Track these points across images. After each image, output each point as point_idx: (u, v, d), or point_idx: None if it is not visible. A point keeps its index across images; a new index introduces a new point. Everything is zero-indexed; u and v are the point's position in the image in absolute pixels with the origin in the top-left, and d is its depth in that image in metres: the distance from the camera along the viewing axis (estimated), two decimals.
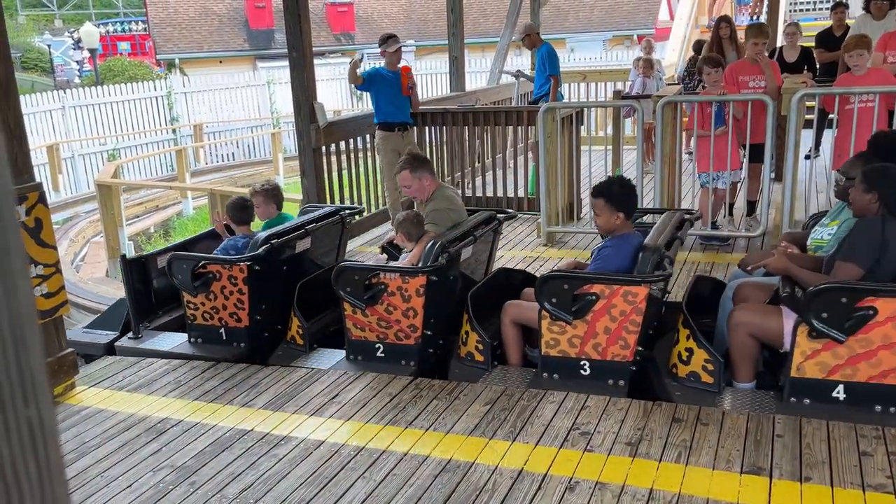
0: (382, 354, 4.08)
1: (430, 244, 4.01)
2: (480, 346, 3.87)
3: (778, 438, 3.08)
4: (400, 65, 6.53)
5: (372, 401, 3.69)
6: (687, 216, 4.26)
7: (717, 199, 5.81)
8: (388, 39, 6.39)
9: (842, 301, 3.09)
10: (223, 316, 4.42)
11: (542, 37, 8.38)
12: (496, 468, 3.01)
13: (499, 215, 4.70)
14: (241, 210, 4.84)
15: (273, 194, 4.90)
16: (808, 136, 6.53)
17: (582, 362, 3.64)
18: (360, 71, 6.28)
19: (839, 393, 3.20)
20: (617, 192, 3.71)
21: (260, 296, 4.36)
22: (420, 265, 3.96)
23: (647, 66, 9.07)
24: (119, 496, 3.02)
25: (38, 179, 3.97)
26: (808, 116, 6.05)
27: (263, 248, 4.24)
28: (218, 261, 4.38)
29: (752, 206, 6.18)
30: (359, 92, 22.91)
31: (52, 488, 0.34)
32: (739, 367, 3.52)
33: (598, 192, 3.74)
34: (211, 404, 3.79)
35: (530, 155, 7.48)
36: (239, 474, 3.10)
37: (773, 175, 5.86)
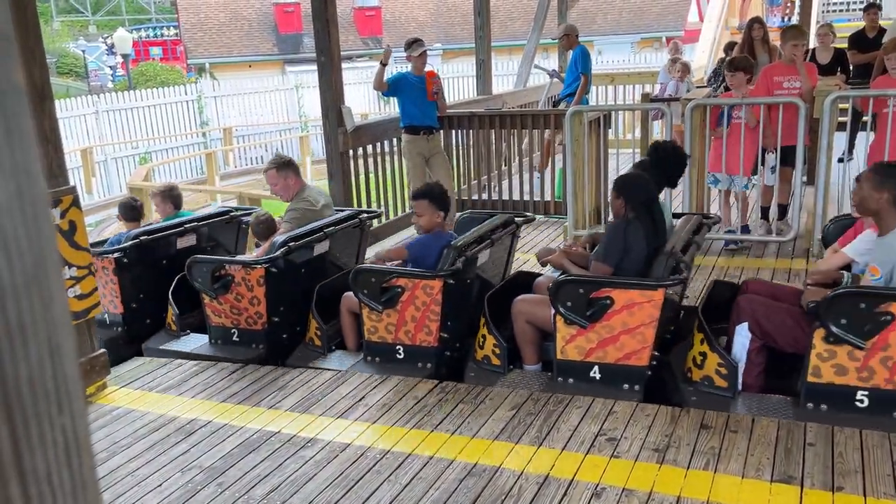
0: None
1: (278, 240, 4.36)
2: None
3: (809, 447, 3.03)
4: (426, 69, 6.55)
5: (397, 404, 3.70)
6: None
7: (735, 203, 5.78)
8: (412, 44, 6.42)
9: (580, 292, 3.53)
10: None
11: None
12: (522, 473, 3.00)
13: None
14: (129, 210, 5.55)
15: (169, 195, 5.53)
16: (841, 139, 6.42)
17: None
18: (387, 75, 6.32)
19: (595, 373, 3.64)
20: (438, 194, 4.14)
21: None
22: (266, 258, 4.29)
23: (685, 70, 9.01)
24: (148, 496, 3.06)
25: (72, 183, 4.04)
26: (841, 119, 5.95)
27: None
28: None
29: (783, 210, 6.09)
30: (385, 97, 23.04)
31: (84, 497, 0.35)
32: (524, 351, 3.93)
33: (421, 194, 4.18)
34: (239, 406, 3.83)
35: (558, 158, 7.46)
36: (266, 476, 3.13)
37: (804, 178, 5.78)
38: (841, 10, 15.91)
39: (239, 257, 4.76)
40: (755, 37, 7.46)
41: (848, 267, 3.73)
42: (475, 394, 3.73)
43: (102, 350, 4.23)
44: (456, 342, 4.14)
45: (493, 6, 9.68)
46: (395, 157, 7.16)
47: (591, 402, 3.56)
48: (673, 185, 4.39)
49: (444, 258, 3.86)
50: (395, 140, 7.07)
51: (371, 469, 3.11)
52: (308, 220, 4.77)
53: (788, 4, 14.18)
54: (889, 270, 3.25)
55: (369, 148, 6.72)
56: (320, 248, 4.67)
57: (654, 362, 3.60)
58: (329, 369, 4.18)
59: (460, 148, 7.60)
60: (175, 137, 19.71)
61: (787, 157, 5.58)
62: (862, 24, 8.75)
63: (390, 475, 3.06)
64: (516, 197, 7.47)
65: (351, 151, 6.36)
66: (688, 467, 2.96)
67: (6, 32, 0.33)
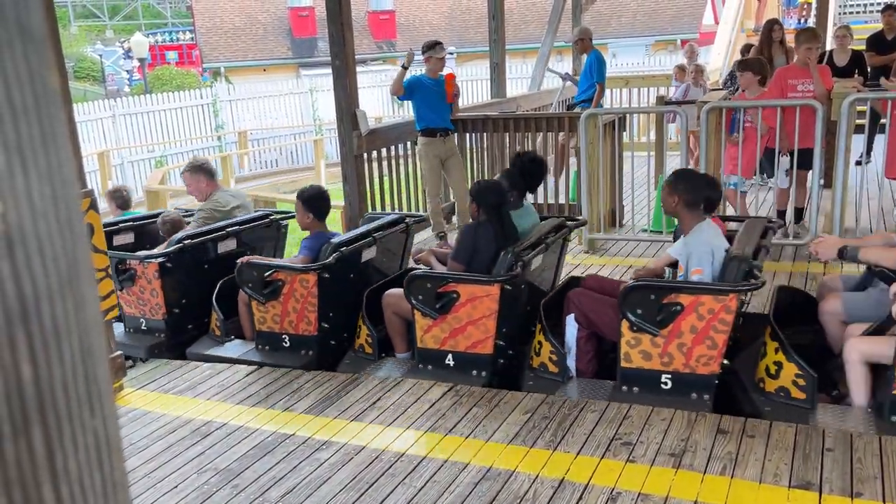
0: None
1: (175, 238, 4.83)
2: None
3: (828, 452, 3.00)
4: (444, 72, 6.56)
5: (412, 407, 3.70)
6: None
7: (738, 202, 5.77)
8: (434, 46, 6.43)
9: (428, 287, 3.90)
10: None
11: None
12: (537, 477, 2.99)
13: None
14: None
15: (112, 196, 6.23)
16: (858, 142, 6.36)
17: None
18: (407, 76, 6.35)
19: (449, 360, 3.99)
20: (308, 197, 4.58)
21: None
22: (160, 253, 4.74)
23: (698, 73, 8.96)
24: (164, 497, 3.08)
25: (89, 186, 4.08)
26: (859, 121, 5.89)
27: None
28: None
29: (799, 214, 6.05)
30: (400, 101, 23.09)
31: (115, 499, 0.35)
32: (394, 341, 4.35)
33: (297, 195, 4.65)
34: (254, 408, 3.84)
35: (572, 161, 7.44)
36: (281, 478, 3.14)
37: (822, 181, 5.73)
38: (858, 12, 15.79)
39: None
40: (774, 38, 7.41)
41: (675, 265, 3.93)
42: (489, 397, 3.73)
43: (119, 352, 4.27)
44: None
45: (507, 9, 9.68)
46: (410, 161, 7.17)
47: (605, 405, 3.54)
48: (532, 191, 4.76)
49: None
50: (408, 143, 7.08)
51: (385, 472, 3.12)
52: (215, 220, 5.21)
53: (805, 6, 14.08)
54: (708, 265, 3.55)
55: (383, 151, 6.73)
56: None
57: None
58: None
59: (474, 151, 7.60)
60: (190, 141, 19.84)
61: (804, 160, 5.54)
62: (880, 25, 8.67)
63: (405, 478, 3.06)
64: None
65: (365, 155, 6.38)
66: (704, 472, 2.94)
67: (41, 36, 0.33)
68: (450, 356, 3.99)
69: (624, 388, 3.59)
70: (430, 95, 6.43)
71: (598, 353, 3.88)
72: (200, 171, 5.34)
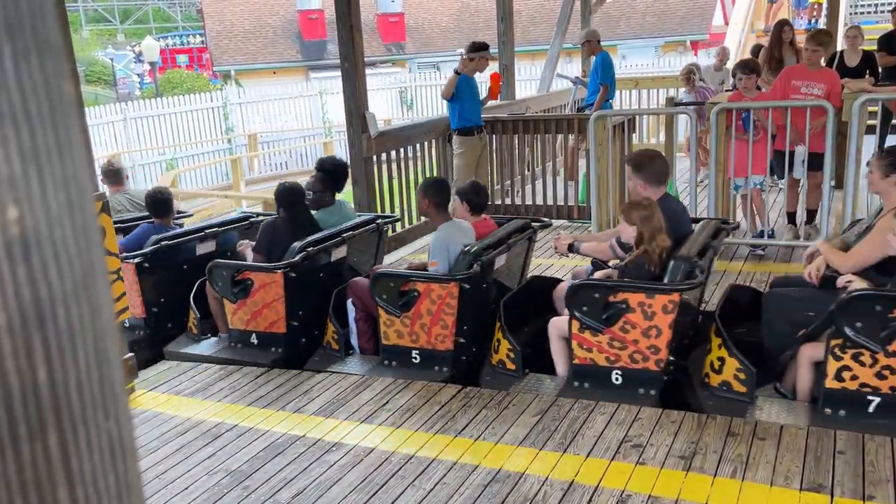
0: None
1: None
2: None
3: (839, 455, 2.99)
4: (490, 71, 6.81)
5: (421, 409, 3.70)
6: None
7: (751, 203, 5.74)
8: (484, 48, 6.66)
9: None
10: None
11: None
12: (546, 479, 2.99)
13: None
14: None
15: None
16: (870, 143, 6.32)
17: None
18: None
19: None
20: (152, 202, 5.06)
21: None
22: None
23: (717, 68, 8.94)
24: (176, 499, 3.09)
25: (100, 189, 4.11)
26: (870, 122, 5.86)
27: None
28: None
29: (811, 215, 6.01)
30: (409, 101, 23.14)
31: (129, 501, 0.36)
32: (218, 323, 4.80)
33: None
34: (264, 410, 3.86)
35: (582, 162, 7.43)
36: (291, 479, 3.15)
37: (833, 183, 5.70)
38: (869, 12, 15.70)
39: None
40: (785, 38, 7.38)
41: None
42: (499, 399, 3.73)
43: (130, 354, 4.29)
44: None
45: (515, 11, 9.68)
46: (419, 163, 7.19)
47: (615, 408, 3.54)
48: (340, 189, 5.14)
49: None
50: (417, 145, 7.09)
51: (395, 474, 3.12)
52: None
53: (816, 7, 14.02)
54: (444, 259, 4.05)
55: (393, 153, 6.75)
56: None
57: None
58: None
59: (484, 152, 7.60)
60: (201, 144, 19.94)
61: (815, 161, 5.51)
62: (891, 26, 8.62)
63: (414, 480, 3.06)
64: (539, 201, 7.46)
65: (374, 157, 6.39)
66: (715, 475, 2.93)
67: (56, 45, 0.34)
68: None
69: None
70: (471, 94, 6.68)
71: (374, 332, 4.36)
72: (105, 176, 6.03)
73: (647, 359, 3.58)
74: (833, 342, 3.19)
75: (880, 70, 7.86)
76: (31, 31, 0.32)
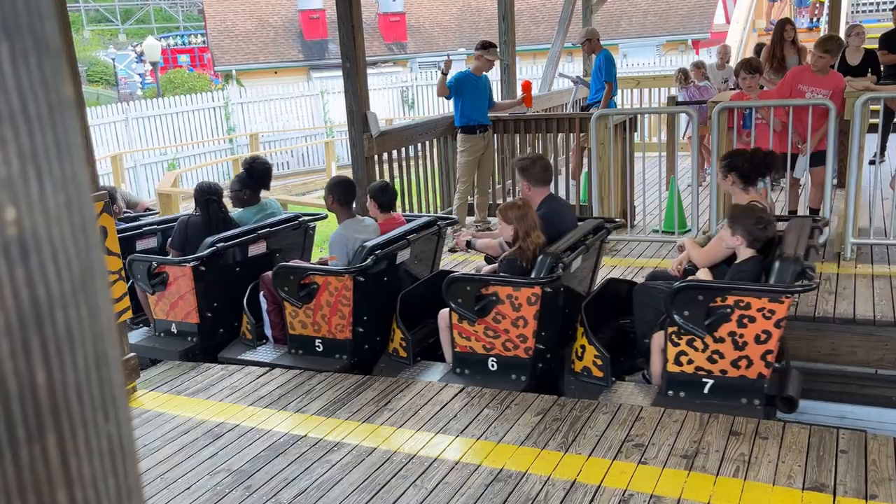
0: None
1: None
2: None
3: (842, 454, 2.98)
4: (489, 72, 6.87)
5: (423, 409, 3.70)
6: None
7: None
8: (489, 46, 6.67)
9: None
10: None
11: None
12: (548, 479, 2.98)
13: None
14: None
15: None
16: (872, 141, 6.31)
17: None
18: (448, 78, 6.57)
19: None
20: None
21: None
22: None
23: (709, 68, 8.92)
24: (178, 498, 3.09)
25: (102, 189, 4.11)
26: (872, 120, 5.84)
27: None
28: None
29: (814, 214, 6.00)
30: (410, 100, 23.14)
31: None
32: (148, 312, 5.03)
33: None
34: (266, 409, 3.86)
35: (584, 162, 7.42)
36: (293, 479, 3.15)
37: (835, 182, 5.69)
38: (871, 11, 15.68)
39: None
40: (786, 38, 7.36)
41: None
42: (500, 399, 3.72)
43: (132, 354, 4.29)
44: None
45: (517, 10, 9.67)
46: (421, 162, 7.18)
47: (617, 407, 3.53)
48: (266, 188, 5.41)
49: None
50: (419, 145, 7.09)
51: (397, 474, 3.12)
52: None
53: (817, 5, 13.99)
54: (343, 254, 4.33)
55: (394, 153, 6.74)
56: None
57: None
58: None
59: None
60: (202, 144, 19.95)
61: (818, 160, 5.50)
62: (892, 24, 8.60)
63: (416, 480, 3.06)
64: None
65: (376, 157, 6.38)
66: (717, 474, 2.93)
67: (55, 46, 0.34)
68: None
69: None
70: (476, 92, 6.66)
71: (284, 323, 4.61)
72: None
73: (517, 347, 3.90)
74: (670, 329, 3.52)
75: (882, 68, 7.85)
76: (30, 31, 0.32)
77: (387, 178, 6.53)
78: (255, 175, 5.31)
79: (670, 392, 3.57)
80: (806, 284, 3.37)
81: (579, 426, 3.38)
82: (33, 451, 0.32)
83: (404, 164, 6.91)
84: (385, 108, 21.61)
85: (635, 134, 6.94)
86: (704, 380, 3.51)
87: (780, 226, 4.14)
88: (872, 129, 5.88)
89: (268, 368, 4.40)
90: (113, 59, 30.87)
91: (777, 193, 7.26)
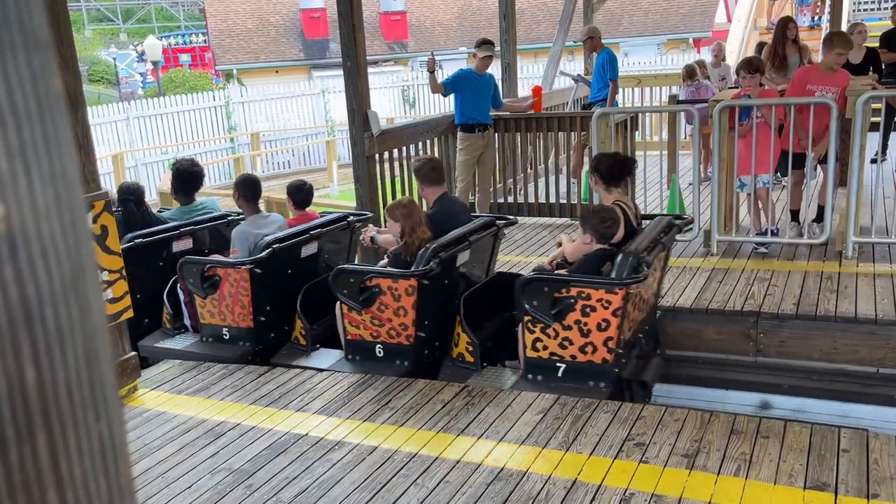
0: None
1: None
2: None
3: (843, 453, 2.98)
4: (490, 70, 6.83)
5: (424, 407, 3.70)
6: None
7: (755, 201, 5.69)
8: (482, 45, 6.70)
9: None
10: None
11: None
12: (549, 478, 2.98)
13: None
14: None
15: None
16: (873, 140, 6.30)
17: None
18: (438, 77, 6.57)
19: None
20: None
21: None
22: None
23: (705, 67, 8.91)
24: (179, 497, 3.09)
25: (103, 188, 4.11)
26: (874, 119, 5.83)
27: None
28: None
29: (821, 212, 5.96)
30: (411, 99, 23.13)
31: None
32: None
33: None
34: (267, 408, 3.85)
35: (585, 160, 7.42)
36: (294, 478, 3.14)
37: (836, 180, 5.67)
38: (872, 9, 15.65)
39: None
40: (789, 36, 7.34)
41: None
42: (502, 398, 3.72)
43: (133, 353, 4.29)
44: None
45: (518, 9, 9.66)
46: None
47: (618, 406, 3.53)
48: (195, 189, 5.63)
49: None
50: (419, 144, 7.08)
51: (398, 473, 3.12)
52: None
53: (818, 4, 13.97)
54: (244, 248, 4.59)
55: (395, 152, 6.74)
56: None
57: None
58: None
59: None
60: (203, 143, 19.95)
61: (824, 158, 5.48)
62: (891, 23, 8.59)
63: (417, 479, 3.05)
64: (542, 199, 7.44)
65: (377, 156, 6.38)
66: (718, 473, 2.92)
67: (43, 39, 0.33)
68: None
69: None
70: (475, 90, 6.63)
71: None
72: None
73: (399, 335, 4.18)
74: (526, 319, 3.84)
75: (883, 66, 7.83)
76: (18, 24, 0.31)
77: (388, 177, 6.53)
78: (179, 178, 5.57)
79: (529, 376, 3.91)
80: (634, 277, 3.64)
81: (580, 425, 3.38)
82: (23, 452, 0.32)
83: (405, 163, 6.91)
84: (386, 107, 21.60)
85: (636, 132, 6.93)
86: (558, 364, 3.85)
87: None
88: (874, 127, 5.86)
89: (269, 367, 4.40)
90: (114, 59, 30.88)
91: (779, 192, 7.25)
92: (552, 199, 7.37)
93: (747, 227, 5.89)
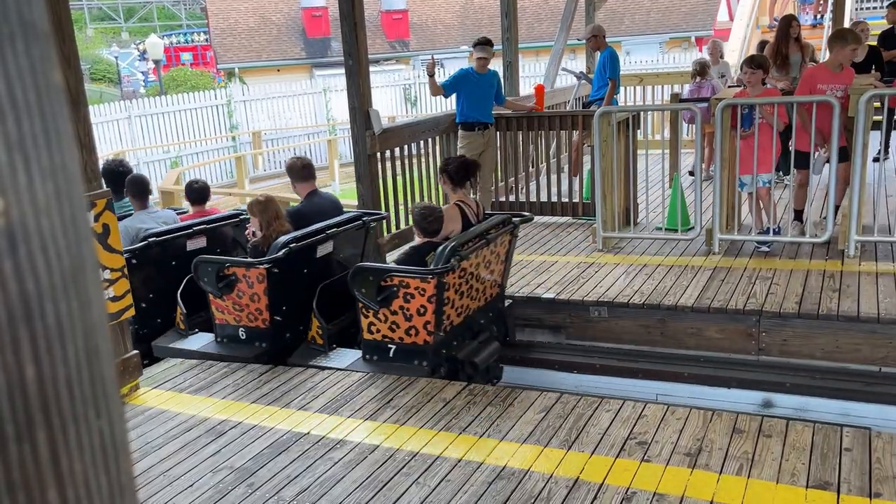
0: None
1: None
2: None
3: (846, 452, 2.97)
4: (490, 68, 6.82)
5: (426, 406, 3.70)
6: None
7: (757, 201, 5.67)
8: (477, 45, 6.71)
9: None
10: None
11: None
12: (551, 476, 2.98)
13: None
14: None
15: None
16: (875, 139, 6.29)
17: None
18: (438, 80, 6.62)
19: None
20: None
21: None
22: None
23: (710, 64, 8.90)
24: (180, 496, 3.09)
25: (105, 187, 4.11)
26: (876, 117, 5.82)
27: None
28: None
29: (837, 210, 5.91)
30: (413, 98, 23.12)
31: (122, 502, 0.35)
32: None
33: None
34: (269, 407, 3.85)
35: (586, 159, 7.41)
36: (296, 477, 3.14)
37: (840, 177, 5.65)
38: (875, 8, 15.63)
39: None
40: (793, 34, 7.32)
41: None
42: (503, 396, 3.72)
43: (135, 351, 4.29)
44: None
45: (519, 7, 9.65)
46: (423, 160, 7.17)
47: (620, 404, 3.52)
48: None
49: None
50: (421, 143, 7.08)
51: (400, 471, 3.11)
52: None
53: (821, 2, 13.94)
54: (127, 241, 4.75)
55: (397, 151, 6.73)
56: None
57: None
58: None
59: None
60: (205, 141, 19.95)
61: (842, 154, 5.46)
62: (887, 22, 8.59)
63: (419, 477, 3.05)
64: (544, 198, 7.43)
65: (379, 154, 6.38)
66: (720, 472, 2.92)
67: (43, 31, 0.33)
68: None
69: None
70: (475, 90, 6.64)
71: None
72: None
73: (256, 319, 4.51)
74: (360, 304, 4.16)
75: (885, 65, 7.81)
76: (17, 15, 0.31)
77: (389, 176, 6.53)
78: (107, 177, 5.14)
79: (367, 356, 4.28)
80: (445, 267, 3.97)
81: (582, 424, 3.37)
82: (23, 449, 0.31)
83: (407, 161, 6.90)
84: (387, 105, 21.60)
85: (638, 131, 6.91)
86: (389, 346, 4.21)
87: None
88: (876, 126, 5.85)
89: (271, 366, 4.40)
90: (116, 57, 30.90)
91: (781, 191, 7.24)
92: (554, 198, 7.36)
93: (749, 226, 5.88)
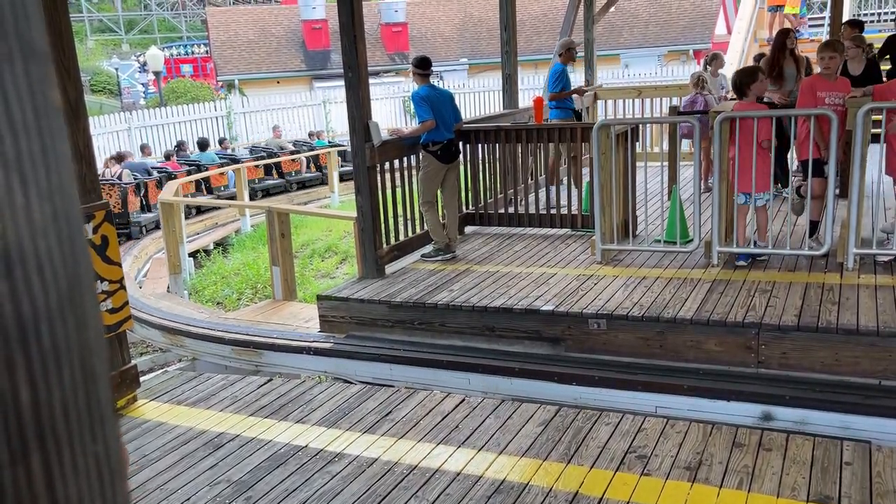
0: None
1: None
2: None
3: (846, 466, 2.96)
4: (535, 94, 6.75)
5: (424, 419, 3.68)
6: None
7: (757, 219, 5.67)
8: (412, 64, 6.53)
9: None
10: None
11: (597, 53, 8.33)
12: (550, 490, 2.96)
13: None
14: None
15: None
16: (875, 151, 6.29)
17: None
18: (443, 84, 6.50)
19: None
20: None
21: None
22: None
23: (705, 79, 8.92)
24: None
25: (104, 198, 4.11)
26: (874, 131, 5.82)
27: None
28: None
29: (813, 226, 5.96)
30: (413, 111, 23.21)
31: None
32: None
33: None
34: (266, 420, 3.84)
35: (585, 171, 7.42)
36: (293, 490, 3.12)
37: (837, 191, 5.66)
38: (871, 21, 15.72)
39: None
40: (789, 45, 7.36)
41: None
42: (502, 409, 3.70)
43: (133, 363, 4.28)
44: None
45: (519, 20, 9.69)
46: (422, 172, 7.17)
47: (620, 417, 3.51)
48: None
49: None
50: (420, 154, 7.08)
51: (398, 485, 3.10)
52: None
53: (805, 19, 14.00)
54: None
55: (396, 162, 6.74)
56: None
57: None
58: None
59: (487, 161, 7.59)
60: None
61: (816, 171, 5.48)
62: (891, 33, 8.63)
63: (417, 491, 3.03)
64: (543, 210, 7.44)
65: (378, 166, 6.38)
66: (720, 486, 2.90)
67: (42, 50, 0.33)
68: None
69: None
70: (438, 107, 6.52)
71: None
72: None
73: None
74: None
75: (885, 78, 7.84)
76: (15, 34, 0.31)
77: (388, 188, 6.54)
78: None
79: None
80: None
81: (581, 437, 3.36)
82: (17, 473, 0.31)
83: (406, 173, 6.91)
84: (387, 117, 21.68)
85: (637, 144, 6.92)
86: None
87: None
88: (875, 139, 5.85)
89: (269, 378, 4.38)
90: (116, 69, 30.99)
91: (779, 204, 7.24)
92: (552, 210, 7.36)
93: (749, 238, 5.87)
